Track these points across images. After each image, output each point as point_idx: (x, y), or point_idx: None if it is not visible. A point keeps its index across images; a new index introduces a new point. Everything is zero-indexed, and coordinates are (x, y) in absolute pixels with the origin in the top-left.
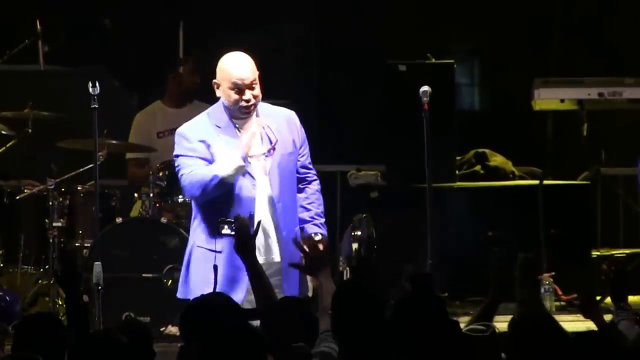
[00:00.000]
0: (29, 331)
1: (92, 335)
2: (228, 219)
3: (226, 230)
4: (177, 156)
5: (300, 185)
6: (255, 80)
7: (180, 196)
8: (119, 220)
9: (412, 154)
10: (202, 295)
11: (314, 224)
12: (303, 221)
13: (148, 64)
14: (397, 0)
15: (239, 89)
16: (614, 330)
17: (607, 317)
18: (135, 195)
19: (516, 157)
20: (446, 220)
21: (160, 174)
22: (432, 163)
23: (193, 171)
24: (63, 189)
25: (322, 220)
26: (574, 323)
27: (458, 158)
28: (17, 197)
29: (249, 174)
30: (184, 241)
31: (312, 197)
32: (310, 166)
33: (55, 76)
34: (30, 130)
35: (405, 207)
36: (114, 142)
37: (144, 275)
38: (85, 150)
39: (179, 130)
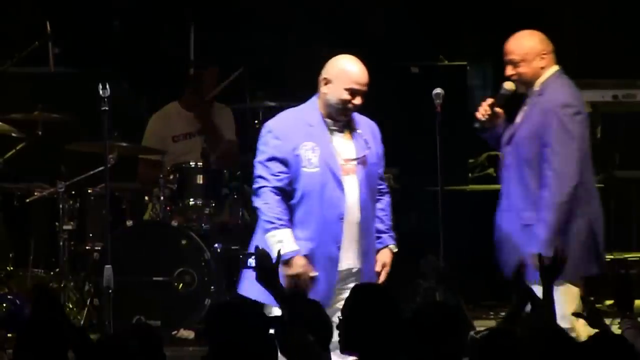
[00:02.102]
0: (31, 333)
1: (102, 339)
2: (250, 251)
3: (252, 262)
4: (260, 162)
5: (376, 196)
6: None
7: (192, 199)
8: (129, 223)
9: (425, 156)
10: (227, 300)
11: (389, 236)
12: (379, 231)
13: (157, 67)
14: (410, 2)
15: (354, 92)
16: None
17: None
18: (146, 198)
19: None
20: (459, 223)
21: (171, 177)
22: (445, 166)
23: (267, 204)
24: (73, 192)
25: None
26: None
27: (471, 161)
28: (27, 200)
29: (338, 178)
30: (195, 244)
31: (387, 209)
32: (384, 178)
33: (65, 78)
34: (40, 133)
35: (417, 210)
36: (124, 144)
37: (154, 278)
38: (95, 153)
39: (268, 123)
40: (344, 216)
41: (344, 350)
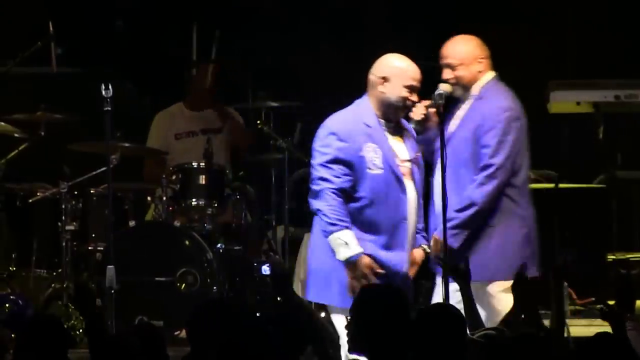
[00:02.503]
0: (30, 334)
1: (105, 339)
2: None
3: (266, 270)
4: (322, 164)
5: None
6: None
7: (194, 199)
8: (132, 223)
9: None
10: (211, 300)
11: (422, 236)
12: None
13: (161, 67)
14: (412, 2)
15: (412, 89)
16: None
17: None
18: (149, 199)
19: (531, 160)
20: None
21: (174, 177)
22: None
23: (330, 206)
24: (76, 192)
25: None
26: (587, 328)
27: None
28: (30, 201)
29: (401, 179)
30: (197, 244)
31: (421, 210)
32: None
33: (67, 79)
34: (42, 133)
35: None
36: (126, 144)
37: (157, 279)
38: (98, 153)
39: (327, 125)
40: (407, 218)
41: (352, 350)
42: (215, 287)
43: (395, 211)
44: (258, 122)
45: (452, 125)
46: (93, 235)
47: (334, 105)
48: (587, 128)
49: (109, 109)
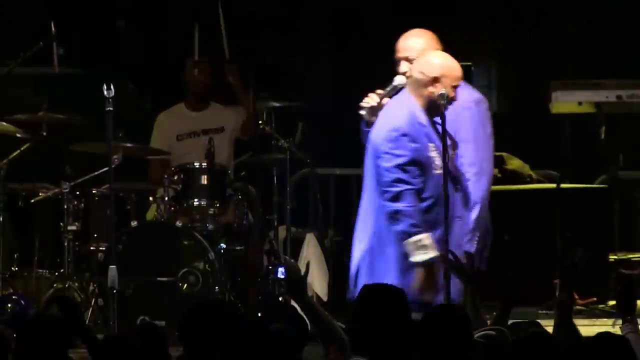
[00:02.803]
0: (30, 334)
1: (107, 339)
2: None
3: (280, 274)
4: (398, 166)
5: None
6: None
7: (196, 199)
8: (134, 223)
9: None
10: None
11: None
12: None
13: (162, 67)
14: (414, 2)
15: (456, 88)
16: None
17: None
18: (150, 199)
19: (533, 161)
20: None
21: (175, 178)
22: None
23: (413, 207)
24: (78, 192)
25: None
26: (590, 327)
27: None
28: (32, 201)
29: (453, 177)
30: (199, 244)
31: None
32: None
33: (69, 79)
34: (44, 133)
35: None
36: (128, 145)
37: (159, 279)
38: (100, 153)
39: (395, 126)
40: (460, 216)
41: (354, 352)
42: (217, 287)
43: (452, 210)
44: (260, 122)
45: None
46: (95, 235)
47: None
48: (589, 128)
49: (111, 109)
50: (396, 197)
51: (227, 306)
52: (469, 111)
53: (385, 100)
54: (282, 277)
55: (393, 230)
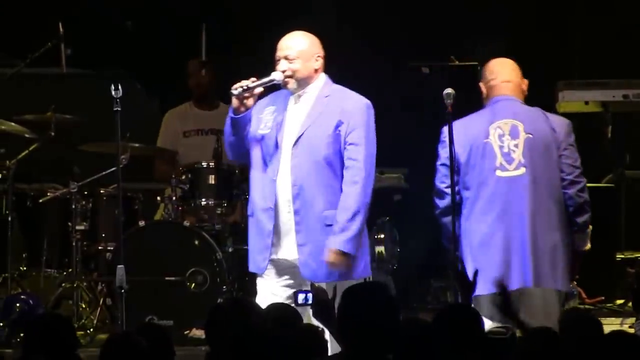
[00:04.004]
0: (38, 333)
1: (111, 338)
2: (304, 288)
3: (301, 299)
4: None
5: None
6: None
7: (204, 199)
8: (142, 223)
9: (435, 156)
10: (228, 300)
11: None
12: None
13: (169, 67)
14: (420, 2)
15: None
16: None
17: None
18: (158, 198)
19: None
20: None
21: (183, 177)
22: None
23: None
24: (86, 192)
25: None
26: None
27: None
28: (40, 201)
29: None
30: (206, 244)
31: None
32: None
33: (77, 79)
34: (53, 134)
35: (428, 210)
36: (136, 145)
37: (167, 278)
38: (107, 153)
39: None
40: None
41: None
42: (224, 287)
43: None
44: None
45: (296, 121)
46: (103, 235)
47: None
48: (596, 127)
49: (119, 109)
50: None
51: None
52: (359, 114)
53: (259, 90)
54: (303, 303)
55: (581, 220)
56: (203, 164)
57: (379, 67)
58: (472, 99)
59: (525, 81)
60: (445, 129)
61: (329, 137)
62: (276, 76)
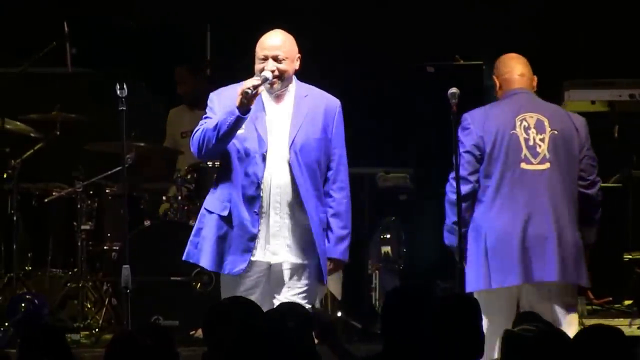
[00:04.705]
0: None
1: (116, 337)
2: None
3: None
4: None
5: None
6: None
7: None
8: (147, 223)
9: (441, 156)
10: (227, 300)
11: None
12: None
13: (175, 67)
14: (425, 1)
15: None
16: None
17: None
18: (164, 198)
19: None
20: None
21: (189, 177)
22: None
23: None
24: (91, 192)
25: None
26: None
27: None
28: (46, 200)
29: None
30: None
31: None
32: None
33: (82, 78)
34: (58, 133)
35: (434, 210)
36: (142, 144)
37: (172, 278)
38: (113, 153)
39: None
40: None
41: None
42: None
43: None
44: None
45: (282, 121)
46: (108, 234)
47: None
48: (603, 127)
49: (124, 108)
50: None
51: (246, 303)
52: (338, 115)
53: (261, 89)
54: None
55: (597, 216)
56: (208, 163)
57: (383, 66)
58: (477, 99)
59: (535, 77)
60: (468, 116)
61: (319, 139)
62: (268, 75)
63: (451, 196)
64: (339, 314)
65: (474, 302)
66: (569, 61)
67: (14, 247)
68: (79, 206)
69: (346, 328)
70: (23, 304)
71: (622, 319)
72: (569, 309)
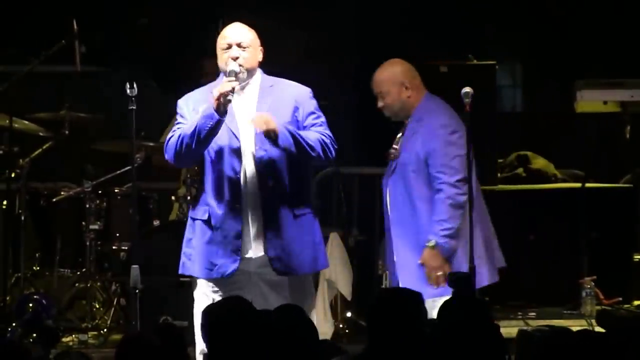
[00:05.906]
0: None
1: (126, 338)
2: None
3: None
4: None
5: None
6: None
7: None
8: (156, 223)
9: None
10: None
11: None
12: None
13: (185, 65)
14: (438, 1)
15: None
16: None
17: None
18: (173, 198)
19: (558, 160)
20: None
21: (197, 177)
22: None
23: None
24: (100, 192)
25: None
26: None
27: (500, 161)
28: (54, 200)
29: None
30: None
31: None
32: None
33: (92, 77)
34: (67, 132)
35: None
36: (151, 144)
37: (181, 279)
38: (122, 152)
39: None
40: None
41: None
42: None
43: None
44: None
45: (247, 113)
46: (117, 234)
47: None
48: (614, 127)
49: (134, 107)
50: None
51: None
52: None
53: (238, 87)
54: None
55: None
56: None
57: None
58: (490, 98)
59: None
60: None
61: (289, 123)
62: (235, 68)
63: (459, 199)
64: (349, 314)
65: (481, 302)
66: (581, 61)
67: (22, 246)
68: (87, 206)
69: (356, 328)
70: (31, 304)
71: None
72: None
